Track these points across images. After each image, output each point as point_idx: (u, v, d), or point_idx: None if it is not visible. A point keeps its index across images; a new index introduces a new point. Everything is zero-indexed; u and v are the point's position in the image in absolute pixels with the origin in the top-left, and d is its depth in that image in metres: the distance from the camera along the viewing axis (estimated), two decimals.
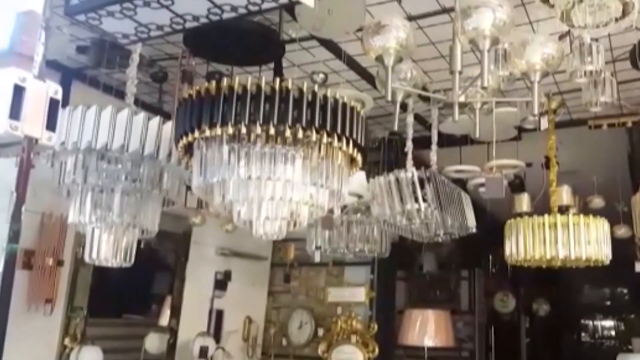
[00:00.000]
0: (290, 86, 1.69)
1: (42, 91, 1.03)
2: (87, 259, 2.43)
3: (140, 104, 2.51)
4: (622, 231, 4.77)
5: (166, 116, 2.40)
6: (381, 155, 4.83)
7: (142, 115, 2.27)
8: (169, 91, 3.79)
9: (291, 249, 5.09)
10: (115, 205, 2.33)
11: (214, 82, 1.71)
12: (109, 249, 2.39)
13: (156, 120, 2.30)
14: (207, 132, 1.70)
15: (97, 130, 2.18)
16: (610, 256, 3.01)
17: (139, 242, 2.54)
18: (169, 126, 2.32)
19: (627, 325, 9.84)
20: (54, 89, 1.05)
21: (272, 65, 3.28)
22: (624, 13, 2.11)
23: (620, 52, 3.29)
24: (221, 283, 4.72)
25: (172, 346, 4.33)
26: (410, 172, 2.92)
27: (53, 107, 1.04)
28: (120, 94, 2.89)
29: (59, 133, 2.20)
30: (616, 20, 2.13)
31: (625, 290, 10.21)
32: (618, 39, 3.11)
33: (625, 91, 3.70)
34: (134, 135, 2.22)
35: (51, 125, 1.04)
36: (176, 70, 3.36)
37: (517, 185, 4.51)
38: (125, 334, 4.27)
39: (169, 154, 2.31)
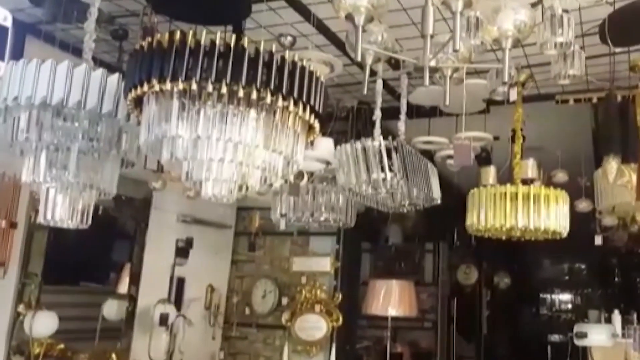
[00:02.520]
0: (246, 44, 1.61)
1: None
2: (41, 219, 2.35)
3: (98, 62, 2.41)
4: (584, 205, 4.87)
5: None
6: (349, 125, 4.79)
7: (100, 70, 2.18)
8: (129, 50, 3.63)
9: (256, 218, 5.04)
10: (72, 165, 2.24)
11: (166, 35, 1.62)
12: (64, 209, 2.31)
13: (115, 76, 2.20)
14: (157, 86, 1.61)
15: (52, 85, 2.07)
16: (567, 228, 3.05)
17: (97, 208, 2.47)
18: None
19: (584, 299, 10.19)
20: (2, 15, 0.95)
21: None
22: None
23: (590, 27, 3.29)
24: (182, 251, 4.64)
25: (131, 313, 4.27)
26: (377, 141, 2.88)
27: (1, 34, 0.94)
28: (77, 52, 2.76)
29: (11, 87, 2.09)
30: None
31: (583, 266, 10.53)
32: (588, 13, 3.10)
33: (592, 67, 3.71)
34: (92, 91, 2.12)
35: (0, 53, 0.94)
36: (137, 28, 3.23)
37: (483, 158, 4.53)
38: (83, 301, 4.17)
39: (129, 113, 2.21)
